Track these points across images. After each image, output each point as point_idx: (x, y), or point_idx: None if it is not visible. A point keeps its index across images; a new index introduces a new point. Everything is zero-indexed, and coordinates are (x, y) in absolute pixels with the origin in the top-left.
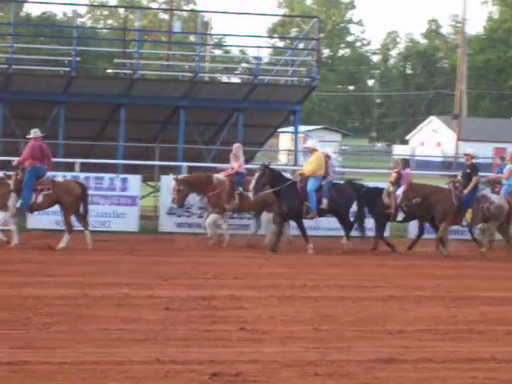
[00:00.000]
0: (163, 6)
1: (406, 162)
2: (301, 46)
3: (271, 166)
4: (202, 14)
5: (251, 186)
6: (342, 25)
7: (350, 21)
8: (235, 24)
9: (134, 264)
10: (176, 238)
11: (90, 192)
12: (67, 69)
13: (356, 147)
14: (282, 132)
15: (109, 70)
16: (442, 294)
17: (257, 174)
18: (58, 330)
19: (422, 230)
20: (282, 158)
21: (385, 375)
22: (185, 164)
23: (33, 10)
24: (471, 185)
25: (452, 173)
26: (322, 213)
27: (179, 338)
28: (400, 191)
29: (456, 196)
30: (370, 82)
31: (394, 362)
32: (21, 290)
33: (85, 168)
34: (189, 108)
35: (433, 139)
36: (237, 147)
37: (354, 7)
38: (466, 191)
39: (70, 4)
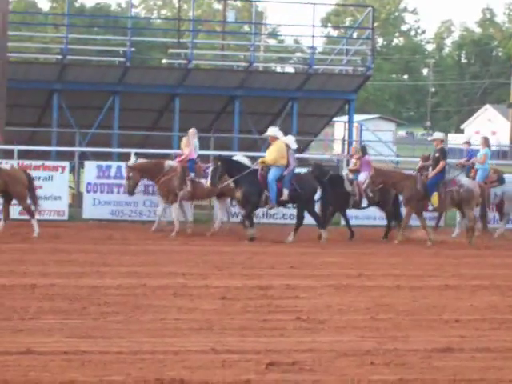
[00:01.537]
0: None
1: (364, 149)
2: (355, 35)
3: (225, 157)
4: (256, 3)
5: (208, 181)
6: (396, 14)
7: (405, 9)
8: (289, 13)
9: (189, 254)
10: (231, 227)
11: (145, 182)
12: (122, 59)
13: (409, 136)
14: (337, 121)
15: (163, 61)
16: (499, 282)
17: (210, 168)
18: (115, 320)
19: (395, 218)
20: (337, 148)
21: (441, 364)
22: (240, 153)
23: (87, 0)
24: (437, 168)
25: (508, 162)
26: (281, 203)
27: (235, 328)
28: (362, 177)
29: (421, 181)
30: (425, 71)
31: (450, 351)
32: (77, 280)
33: (140, 158)
34: (243, 98)
35: (488, 128)
36: (191, 133)
37: None
38: (430, 175)
39: None
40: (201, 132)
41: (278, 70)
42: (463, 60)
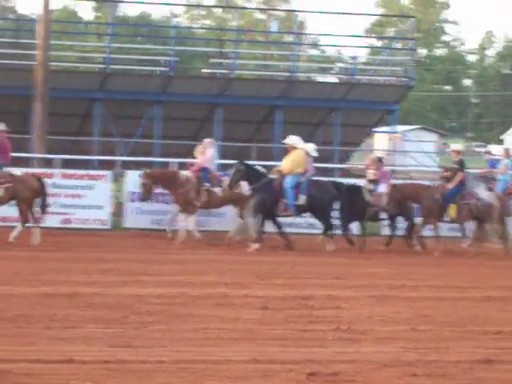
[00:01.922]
0: (260, 6)
1: (381, 161)
2: (398, 45)
3: (247, 162)
4: (299, 13)
5: (228, 183)
6: (438, 24)
7: (447, 20)
8: (331, 24)
9: (231, 263)
10: (274, 237)
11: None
12: (164, 69)
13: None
14: (379, 132)
15: (205, 70)
16: None
17: (232, 171)
18: (156, 329)
19: (394, 228)
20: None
21: (483, 376)
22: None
23: (130, 10)
24: (456, 179)
25: None
26: (299, 210)
27: (276, 338)
28: (382, 189)
29: (439, 191)
30: (467, 82)
31: (492, 363)
32: (119, 289)
33: (183, 167)
34: (285, 107)
35: None
36: (208, 142)
37: (448, 7)
38: (449, 186)
39: (167, 4)
40: (242, 142)
41: (320, 80)
42: (505, 71)
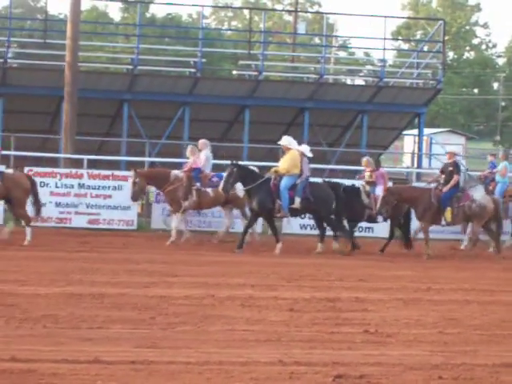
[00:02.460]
0: (288, 8)
1: (378, 162)
2: (426, 48)
3: (241, 164)
4: (327, 15)
5: (220, 186)
6: (467, 27)
7: (476, 23)
8: (359, 26)
9: (258, 265)
10: (299, 239)
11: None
12: (192, 70)
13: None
14: (407, 135)
15: (234, 72)
16: None
17: (225, 173)
18: (183, 330)
19: (392, 233)
20: (406, 161)
21: (510, 379)
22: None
23: (158, 11)
24: (451, 182)
25: None
26: (294, 212)
27: (303, 340)
28: (379, 191)
29: (435, 195)
30: (495, 85)
31: None
32: (146, 290)
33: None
34: (313, 110)
35: None
36: (201, 143)
37: (479, 10)
38: (445, 189)
39: (196, 5)
40: (270, 143)
41: (348, 82)
42: None
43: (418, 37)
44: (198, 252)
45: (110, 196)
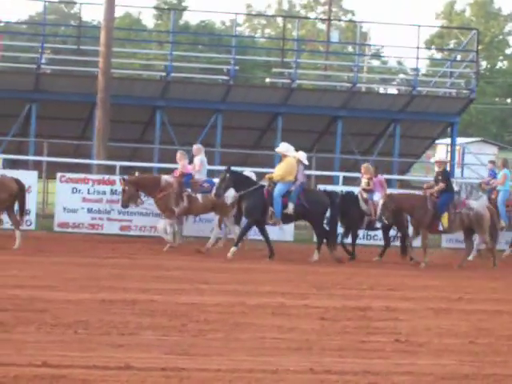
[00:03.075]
0: (321, 16)
1: (377, 169)
2: (459, 57)
3: (234, 170)
4: (360, 24)
5: (213, 192)
6: (500, 37)
7: (510, 33)
8: (393, 35)
9: (288, 273)
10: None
11: None
12: (225, 77)
13: None
14: (439, 144)
15: (267, 79)
16: None
17: (218, 179)
18: (214, 338)
19: (387, 241)
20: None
21: None
22: (341, 174)
23: (191, 18)
24: (436, 188)
25: None
26: (287, 219)
27: (334, 348)
28: (377, 197)
29: (431, 202)
30: None
31: None
32: (177, 297)
33: None
34: (346, 118)
35: None
36: (195, 149)
37: None
38: (431, 191)
39: (229, 13)
40: (303, 151)
41: (381, 91)
42: None
43: (451, 46)
44: (229, 259)
45: (142, 202)
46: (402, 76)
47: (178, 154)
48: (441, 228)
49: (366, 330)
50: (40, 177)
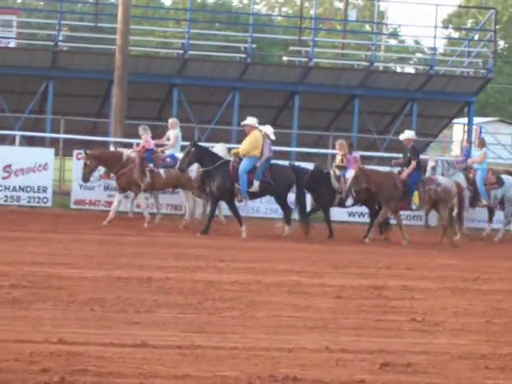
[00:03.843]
0: None
1: (351, 145)
2: (477, 37)
3: (200, 144)
4: (378, 2)
5: (177, 166)
6: None
7: None
8: (410, 14)
9: (305, 251)
10: (347, 227)
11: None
12: (243, 55)
13: None
14: (456, 123)
15: (284, 58)
16: None
17: (183, 152)
18: (230, 316)
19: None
20: (456, 150)
21: None
22: (358, 153)
23: None
24: (409, 168)
25: None
26: (253, 195)
27: (350, 327)
28: (349, 174)
29: (400, 180)
30: None
31: None
32: (193, 274)
33: None
34: (363, 97)
35: None
36: (171, 123)
37: None
38: (403, 175)
39: None
40: (320, 130)
41: (398, 70)
42: None
43: (468, 25)
44: (246, 237)
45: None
46: (419, 55)
47: (140, 129)
48: (413, 207)
49: (382, 308)
50: (57, 154)
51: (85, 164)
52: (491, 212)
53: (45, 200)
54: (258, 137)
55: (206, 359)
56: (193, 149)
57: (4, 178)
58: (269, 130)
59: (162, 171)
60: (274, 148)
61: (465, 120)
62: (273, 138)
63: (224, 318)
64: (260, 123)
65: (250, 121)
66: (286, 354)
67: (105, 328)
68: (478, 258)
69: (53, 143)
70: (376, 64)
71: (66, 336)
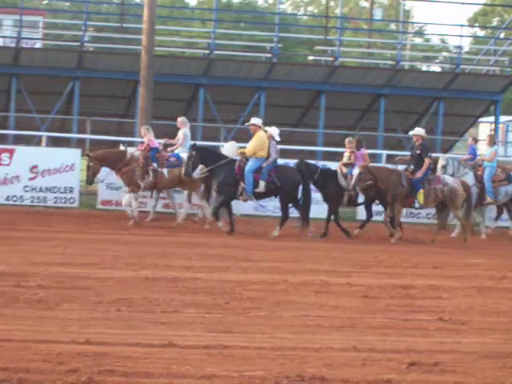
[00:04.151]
0: None
1: (359, 142)
2: (502, 35)
3: (199, 146)
4: (403, 1)
5: (182, 171)
6: None
7: None
8: (436, 12)
9: (332, 251)
10: (373, 226)
11: None
12: (268, 55)
13: None
14: (482, 122)
15: (310, 57)
16: None
17: (186, 157)
18: (257, 315)
19: (370, 214)
20: (482, 148)
21: None
22: (384, 152)
23: None
24: (424, 167)
25: None
26: (258, 196)
27: (377, 327)
28: (355, 172)
29: (406, 178)
30: None
31: None
32: (220, 275)
33: (284, 155)
34: (389, 96)
35: None
36: (179, 121)
37: None
38: (419, 174)
39: None
40: (346, 129)
41: (424, 68)
42: None
43: (494, 24)
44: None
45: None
46: (445, 54)
47: (142, 130)
48: (416, 205)
49: (410, 308)
50: (83, 155)
51: (88, 166)
52: (500, 209)
53: (71, 200)
54: (263, 137)
55: (233, 359)
56: (194, 152)
57: (31, 179)
58: (274, 131)
59: (165, 171)
60: (299, 148)
61: (491, 118)
62: (277, 139)
63: (251, 317)
64: (286, 123)
65: (255, 121)
66: (312, 353)
67: (132, 328)
68: (504, 257)
69: (79, 144)
70: (402, 63)
71: (93, 336)
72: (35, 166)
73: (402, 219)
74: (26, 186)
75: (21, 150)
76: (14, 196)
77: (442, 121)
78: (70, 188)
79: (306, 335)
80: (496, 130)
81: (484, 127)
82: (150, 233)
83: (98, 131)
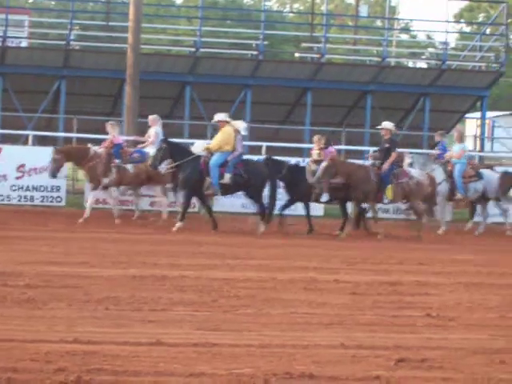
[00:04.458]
0: None
1: (328, 140)
2: (488, 31)
3: (171, 140)
4: None
5: (149, 162)
6: None
7: None
8: (422, 8)
9: (319, 248)
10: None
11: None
12: (254, 52)
13: None
14: (469, 118)
15: (296, 54)
16: None
17: (155, 149)
18: (245, 313)
19: (346, 213)
20: (469, 144)
21: None
22: (371, 149)
23: None
24: (390, 159)
25: None
26: (225, 189)
27: (365, 323)
28: (322, 165)
29: (375, 173)
30: None
31: None
32: (208, 272)
33: (270, 152)
34: (376, 93)
35: None
36: (151, 119)
37: None
38: (385, 166)
39: None
40: (332, 126)
41: (410, 65)
42: None
43: (480, 19)
44: (259, 235)
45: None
46: (431, 50)
47: (108, 126)
48: (385, 200)
49: (397, 304)
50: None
51: (53, 159)
52: (473, 206)
53: (58, 199)
54: (229, 132)
55: (222, 357)
56: (164, 145)
57: (17, 178)
58: (240, 125)
59: (129, 166)
60: (286, 145)
61: (478, 114)
62: (244, 133)
63: (239, 315)
64: (272, 120)
65: (221, 117)
66: (301, 350)
67: (120, 327)
68: (492, 252)
69: (66, 142)
70: (388, 59)
71: (82, 335)
72: (22, 165)
73: (369, 214)
74: (13, 185)
75: (7, 149)
76: (1, 195)
77: (429, 117)
78: (57, 187)
79: (294, 332)
80: (483, 125)
81: (470, 123)
82: (138, 231)
83: (85, 130)
